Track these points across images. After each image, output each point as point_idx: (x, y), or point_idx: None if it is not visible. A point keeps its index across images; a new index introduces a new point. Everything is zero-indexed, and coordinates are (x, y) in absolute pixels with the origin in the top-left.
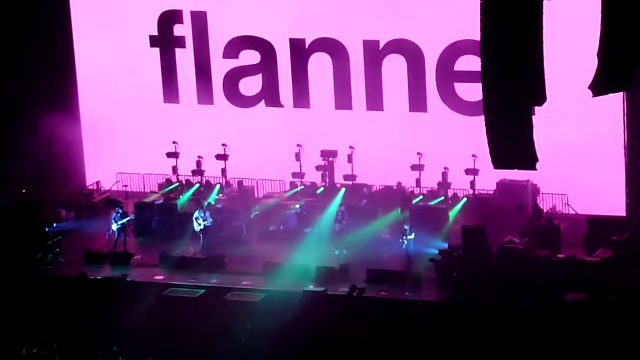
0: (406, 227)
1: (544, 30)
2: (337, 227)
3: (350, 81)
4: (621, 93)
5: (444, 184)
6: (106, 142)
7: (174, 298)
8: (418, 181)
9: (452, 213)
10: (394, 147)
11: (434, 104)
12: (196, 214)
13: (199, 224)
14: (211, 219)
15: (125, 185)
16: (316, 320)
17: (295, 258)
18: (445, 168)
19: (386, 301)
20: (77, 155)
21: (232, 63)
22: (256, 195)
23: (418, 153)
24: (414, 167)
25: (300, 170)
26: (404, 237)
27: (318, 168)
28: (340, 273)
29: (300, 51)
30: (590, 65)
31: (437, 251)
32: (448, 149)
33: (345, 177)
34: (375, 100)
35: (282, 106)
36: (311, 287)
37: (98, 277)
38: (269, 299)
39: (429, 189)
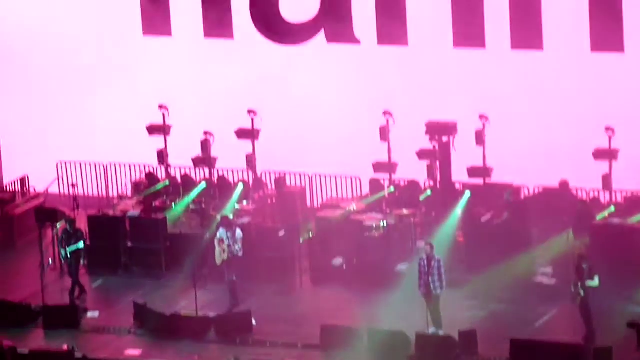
0: (584, 265)
1: None
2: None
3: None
4: None
5: None
6: (37, 107)
7: None
8: (607, 180)
9: None
10: (562, 115)
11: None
12: (221, 233)
13: (224, 250)
14: (240, 245)
15: (73, 185)
16: None
17: (381, 319)
18: None
19: None
20: None
21: None
22: (309, 203)
23: (607, 129)
24: (599, 155)
25: (389, 158)
26: (580, 284)
27: (420, 154)
28: (464, 347)
29: None
30: None
31: None
32: None
33: (472, 172)
34: (525, 37)
35: (358, 42)
36: None
37: (23, 352)
38: None
39: (626, 192)
